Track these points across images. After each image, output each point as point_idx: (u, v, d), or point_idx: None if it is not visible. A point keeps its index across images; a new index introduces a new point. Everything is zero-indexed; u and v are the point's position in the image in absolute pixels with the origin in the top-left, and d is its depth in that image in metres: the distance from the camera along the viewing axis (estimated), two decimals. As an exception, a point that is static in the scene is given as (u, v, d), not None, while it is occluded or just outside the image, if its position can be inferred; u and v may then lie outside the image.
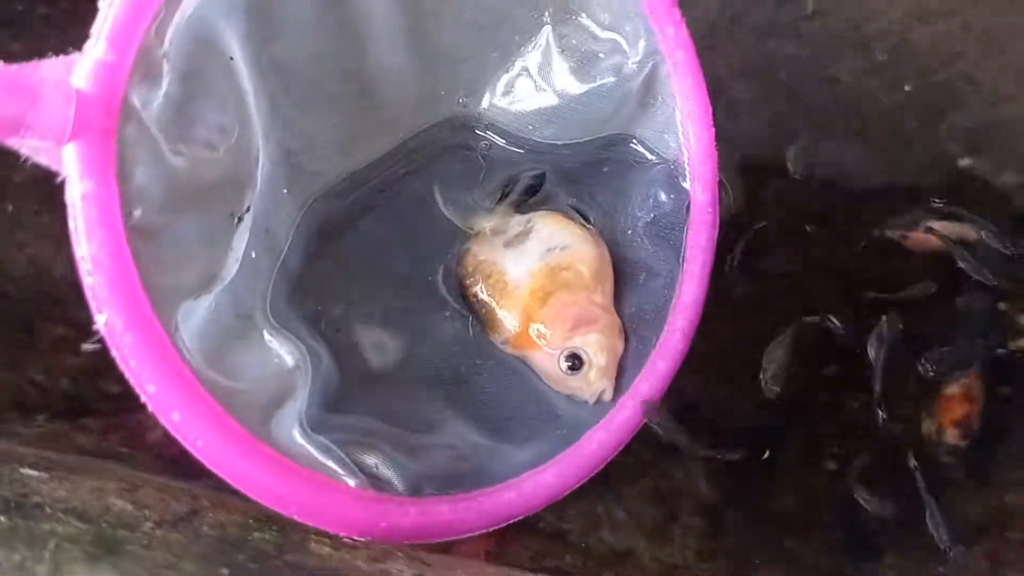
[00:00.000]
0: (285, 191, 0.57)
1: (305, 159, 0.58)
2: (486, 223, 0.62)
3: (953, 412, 0.67)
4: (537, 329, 0.58)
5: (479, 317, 0.60)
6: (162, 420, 0.44)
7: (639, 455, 0.65)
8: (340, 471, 0.48)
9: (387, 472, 0.50)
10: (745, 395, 0.68)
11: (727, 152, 0.62)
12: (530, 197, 0.63)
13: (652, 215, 0.61)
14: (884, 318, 0.66)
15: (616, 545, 0.67)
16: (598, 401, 0.58)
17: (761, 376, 0.65)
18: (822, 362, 0.70)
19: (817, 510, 0.68)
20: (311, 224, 0.59)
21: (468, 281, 0.60)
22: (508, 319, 0.59)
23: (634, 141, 0.63)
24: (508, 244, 0.60)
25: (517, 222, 0.62)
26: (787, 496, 0.68)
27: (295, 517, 0.47)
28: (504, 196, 0.63)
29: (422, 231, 0.62)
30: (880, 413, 0.65)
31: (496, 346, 0.59)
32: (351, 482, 0.48)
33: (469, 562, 0.55)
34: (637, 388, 0.57)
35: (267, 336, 0.52)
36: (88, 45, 0.44)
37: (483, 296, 0.59)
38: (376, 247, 0.61)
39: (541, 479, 0.53)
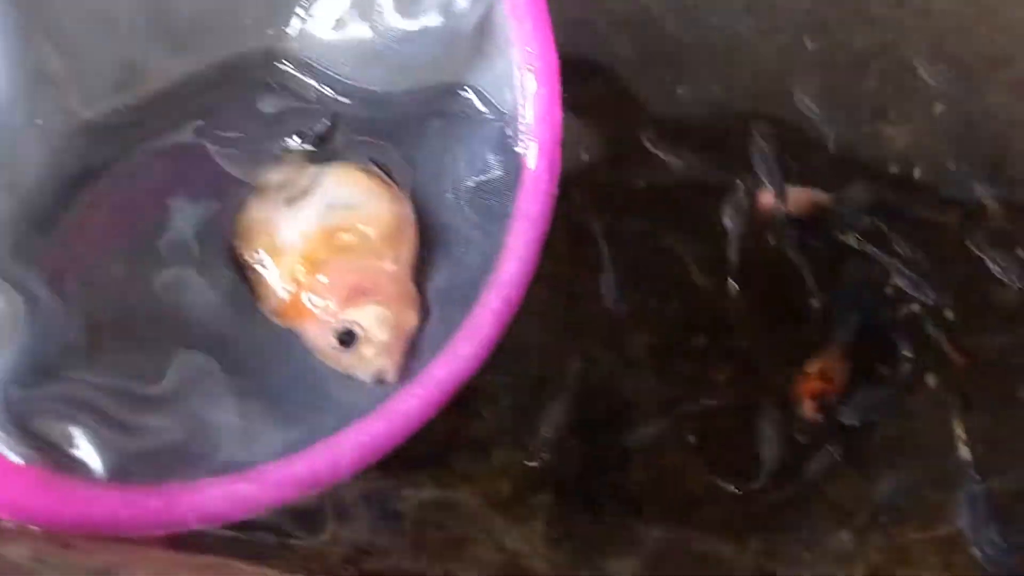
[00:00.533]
0: (39, 121, 0.50)
1: (69, 87, 0.51)
2: (273, 176, 0.55)
3: (812, 385, 0.62)
4: (309, 298, 0.51)
5: (248, 284, 0.53)
6: None
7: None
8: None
9: (88, 451, 0.44)
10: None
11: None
12: (320, 146, 0.55)
13: (479, 179, 0.54)
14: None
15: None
16: (381, 383, 0.51)
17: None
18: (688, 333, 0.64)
19: (673, 487, 0.62)
20: (71, 162, 0.52)
21: (236, 242, 0.53)
22: (278, 288, 0.51)
23: (467, 90, 0.56)
24: (290, 201, 0.53)
25: (307, 175, 0.54)
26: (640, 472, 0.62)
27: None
28: (294, 148, 0.56)
29: (198, 182, 0.55)
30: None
31: (266, 317, 0.52)
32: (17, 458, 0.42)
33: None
34: (432, 373, 0.50)
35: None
36: None
37: (251, 261, 0.52)
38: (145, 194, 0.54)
39: (288, 471, 0.47)
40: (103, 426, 0.45)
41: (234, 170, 0.55)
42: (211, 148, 0.55)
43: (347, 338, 0.50)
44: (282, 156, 0.55)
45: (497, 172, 0.53)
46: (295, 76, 0.57)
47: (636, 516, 0.60)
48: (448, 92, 0.56)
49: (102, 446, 0.44)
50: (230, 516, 0.46)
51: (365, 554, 0.56)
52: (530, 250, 0.51)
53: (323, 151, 0.55)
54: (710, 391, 0.63)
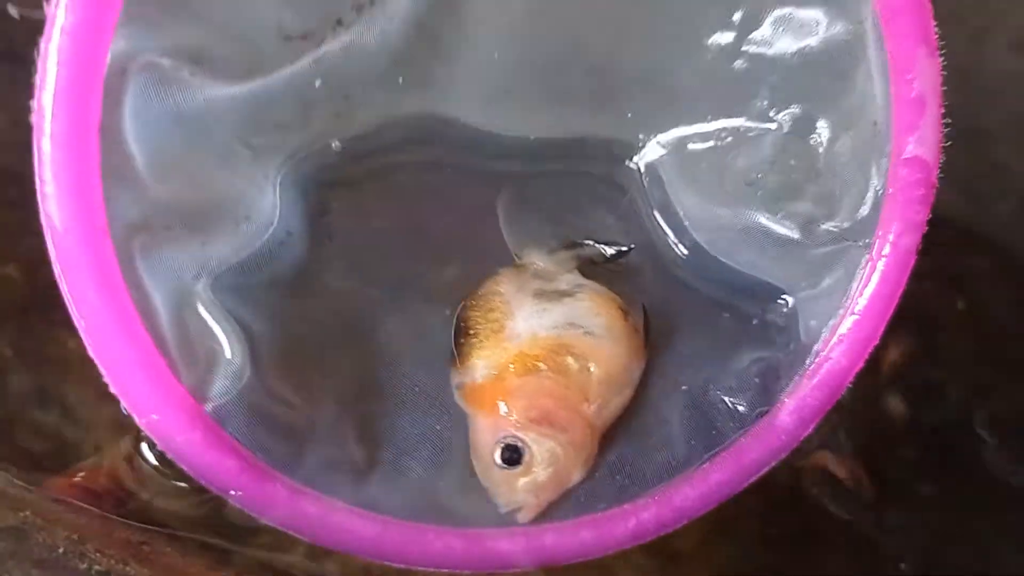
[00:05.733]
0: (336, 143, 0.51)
1: (427, 82, 0.51)
2: (538, 261, 0.52)
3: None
4: (501, 396, 0.47)
5: (456, 344, 0.50)
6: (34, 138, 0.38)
7: None
8: None
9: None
10: None
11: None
12: (611, 261, 0.52)
13: (722, 396, 0.49)
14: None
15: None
16: (510, 515, 0.46)
17: None
18: None
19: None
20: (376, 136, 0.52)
21: (471, 301, 0.50)
22: (481, 367, 0.48)
23: (783, 307, 0.51)
24: (538, 294, 0.50)
25: (567, 280, 0.51)
26: None
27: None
28: (576, 246, 0.53)
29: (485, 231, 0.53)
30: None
31: (450, 383, 0.49)
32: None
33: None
34: (542, 534, 0.45)
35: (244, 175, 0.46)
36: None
37: (472, 325, 0.49)
38: (432, 209, 0.53)
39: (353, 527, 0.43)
40: (244, 370, 0.44)
41: (510, 235, 0.52)
42: (503, 201, 0.53)
43: (512, 455, 0.46)
44: (557, 248, 0.52)
45: (743, 403, 0.48)
46: (642, 187, 0.54)
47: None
48: (765, 295, 0.51)
49: (230, 381, 0.43)
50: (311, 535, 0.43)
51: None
52: (712, 494, 0.45)
53: (604, 270, 0.52)
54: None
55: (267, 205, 0.49)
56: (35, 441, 0.56)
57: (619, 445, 0.48)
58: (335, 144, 0.52)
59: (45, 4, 0.37)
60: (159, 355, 0.40)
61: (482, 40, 0.51)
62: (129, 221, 0.41)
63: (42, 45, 0.37)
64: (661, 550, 0.56)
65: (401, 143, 0.54)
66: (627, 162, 0.54)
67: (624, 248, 0.53)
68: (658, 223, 0.54)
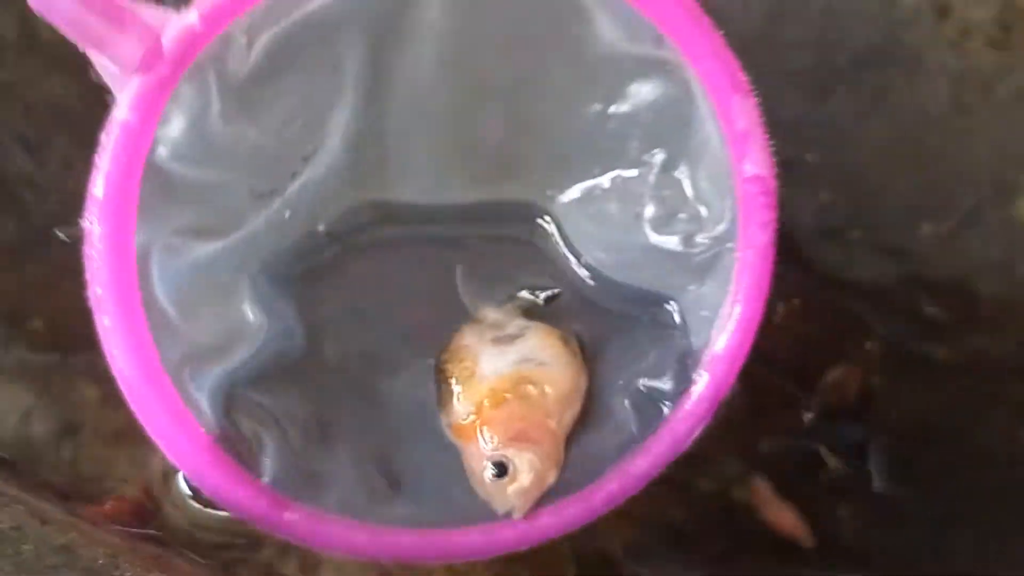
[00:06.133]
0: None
1: (369, 180, 0.64)
2: (490, 314, 0.66)
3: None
4: (482, 427, 0.60)
5: (439, 392, 0.63)
6: (95, 317, 0.52)
7: None
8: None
9: (265, 453, 0.56)
10: None
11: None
12: (545, 306, 0.66)
13: (653, 384, 0.62)
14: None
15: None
16: (507, 515, 0.58)
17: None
18: None
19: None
20: (339, 228, 0.65)
21: (444, 356, 0.64)
22: (460, 407, 0.61)
23: (673, 309, 0.64)
24: (496, 340, 0.63)
25: (515, 325, 0.64)
26: None
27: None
28: (516, 297, 0.66)
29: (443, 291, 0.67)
30: None
31: (440, 425, 0.62)
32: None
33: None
34: (537, 518, 0.58)
35: (247, 300, 0.59)
36: (190, 7, 0.52)
37: (449, 376, 0.63)
38: (398, 280, 0.67)
39: (397, 538, 0.56)
40: (281, 442, 0.56)
41: (466, 297, 0.66)
42: (459, 271, 0.67)
43: (499, 471, 0.58)
44: (503, 300, 0.66)
45: (669, 386, 0.61)
46: (552, 238, 0.68)
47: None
48: (659, 301, 0.65)
49: (274, 455, 0.56)
50: (332, 550, 0.56)
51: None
52: (663, 457, 0.59)
53: (541, 310, 0.66)
54: None
55: (266, 313, 0.62)
56: (63, 477, 0.71)
57: (581, 443, 0.61)
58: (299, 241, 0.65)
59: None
60: (216, 447, 0.54)
61: (411, 139, 0.64)
62: (175, 356, 0.54)
63: (87, 250, 0.51)
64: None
65: (362, 227, 0.67)
66: (540, 219, 0.68)
67: (553, 292, 0.66)
68: (572, 264, 0.67)
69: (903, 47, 0.85)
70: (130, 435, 0.62)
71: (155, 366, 0.52)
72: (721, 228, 0.60)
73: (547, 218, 0.68)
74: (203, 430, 0.53)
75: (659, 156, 0.63)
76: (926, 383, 0.80)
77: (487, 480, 0.59)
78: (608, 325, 0.65)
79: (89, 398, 0.72)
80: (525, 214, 0.68)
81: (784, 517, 0.76)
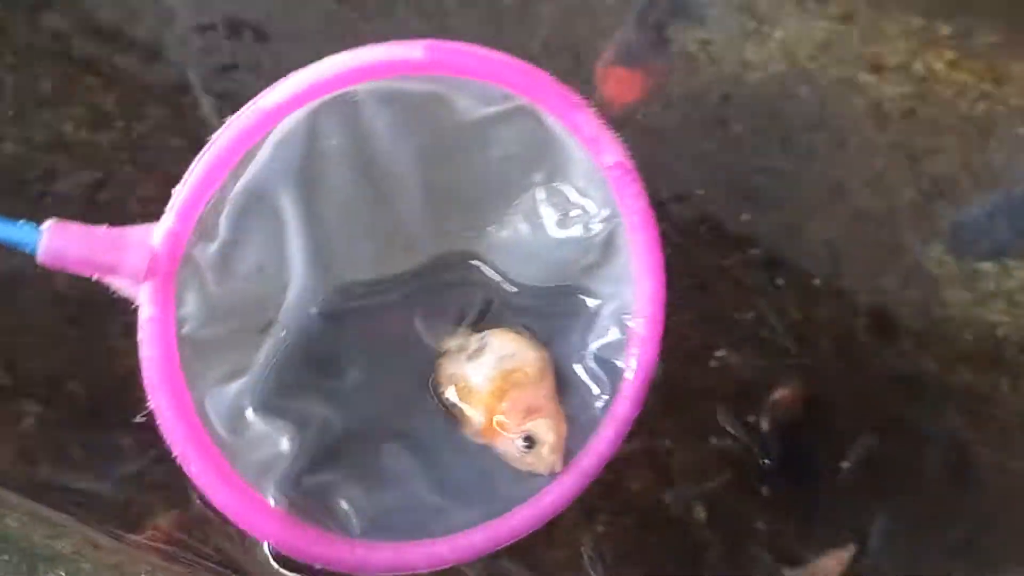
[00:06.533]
0: (314, 310, 0.78)
1: (331, 275, 0.79)
2: (451, 342, 0.81)
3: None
4: (498, 420, 0.76)
5: (453, 416, 0.78)
6: (186, 471, 0.66)
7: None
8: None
9: (349, 517, 0.71)
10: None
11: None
12: (481, 320, 0.82)
13: (599, 345, 0.78)
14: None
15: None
16: (552, 473, 0.74)
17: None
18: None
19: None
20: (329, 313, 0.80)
21: (441, 389, 0.79)
22: (475, 416, 0.77)
23: (590, 292, 0.81)
24: (470, 358, 0.79)
25: (475, 340, 0.80)
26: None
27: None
28: (464, 319, 0.83)
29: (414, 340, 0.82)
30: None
31: (468, 439, 0.78)
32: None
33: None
34: (561, 480, 0.75)
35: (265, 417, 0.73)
36: (164, 217, 0.67)
37: (454, 400, 0.78)
38: (376, 341, 0.82)
39: (470, 538, 0.72)
40: (351, 503, 0.72)
41: (428, 339, 0.82)
42: (416, 321, 0.83)
43: (529, 443, 0.74)
44: (455, 327, 0.82)
45: (614, 341, 0.78)
46: (481, 269, 0.84)
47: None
48: (572, 292, 0.81)
49: (353, 513, 0.72)
50: (427, 568, 0.72)
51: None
52: (638, 396, 0.76)
53: (487, 322, 0.82)
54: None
55: (295, 413, 0.76)
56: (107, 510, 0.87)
57: (565, 406, 0.77)
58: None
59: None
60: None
61: (352, 236, 0.79)
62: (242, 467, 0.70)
63: (159, 422, 0.66)
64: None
65: (334, 309, 0.80)
66: (470, 261, 0.84)
67: (487, 303, 0.83)
68: (502, 284, 0.83)
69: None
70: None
71: (233, 479, 0.68)
72: (606, 211, 0.77)
73: (475, 259, 0.84)
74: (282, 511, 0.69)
75: (539, 176, 0.79)
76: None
77: (524, 454, 0.75)
78: (543, 320, 0.82)
79: (126, 445, 0.90)
80: (457, 261, 0.83)
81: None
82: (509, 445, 0.76)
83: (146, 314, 0.66)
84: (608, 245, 0.78)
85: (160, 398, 0.66)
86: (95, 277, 0.66)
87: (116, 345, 0.92)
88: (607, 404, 0.76)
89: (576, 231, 0.79)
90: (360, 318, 0.82)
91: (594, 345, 0.78)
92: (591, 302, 0.80)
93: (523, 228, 0.81)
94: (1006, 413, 1.00)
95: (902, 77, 1.14)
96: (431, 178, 0.79)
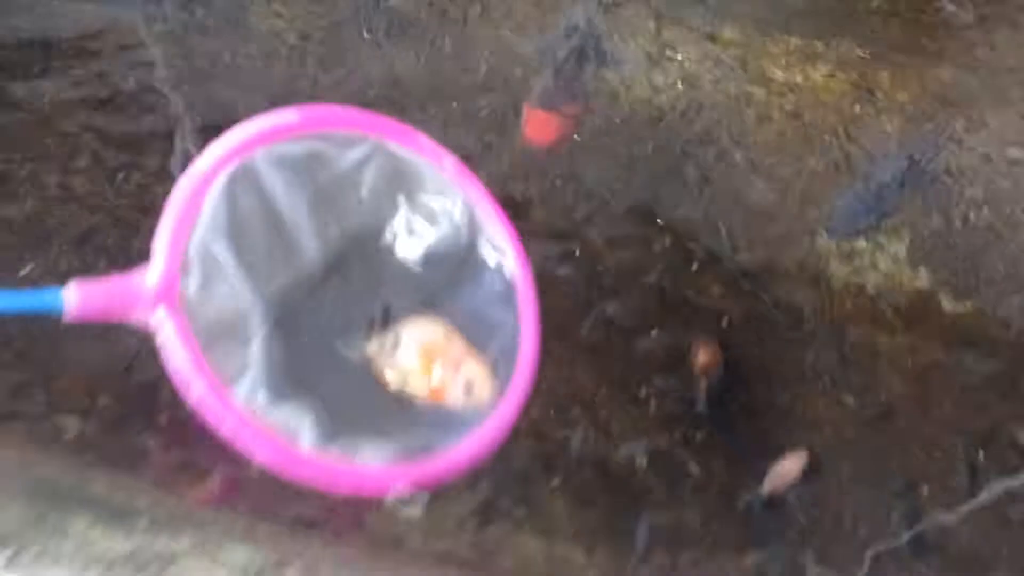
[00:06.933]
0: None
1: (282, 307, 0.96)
2: (371, 347, 0.99)
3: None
4: (435, 387, 0.96)
5: (404, 395, 0.97)
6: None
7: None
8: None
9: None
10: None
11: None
12: (385, 320, 1.00)
13: (489, 294, 1.00)
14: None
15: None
16: (493, 404, 0.94)
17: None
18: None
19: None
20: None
21: (384, 383, 0.97)
22: (420, 388, 0.96)
23: (468, 260, 1.01)
24: (392, 349, 0.97)
25: (389, 337, 0.98)
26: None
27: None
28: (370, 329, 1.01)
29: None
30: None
31: (417, 406, 0.97)
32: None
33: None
34: (504, 403, 0.95)
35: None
36: (154, 262, 0.85)
37: (399, 387, 0.96)
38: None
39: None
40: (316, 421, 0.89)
41: (351, 354, 0.99)
42: (337, 345, 0.99)
43: (468, 388, 0.95)
44: (368, 336, 1.00)
45: (500, 289, 0.99)
46: (378, 274, 1.02)
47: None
48: (461, 263, 1.01)
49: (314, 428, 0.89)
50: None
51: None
52: (535, 327, 0.98)
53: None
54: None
55: None
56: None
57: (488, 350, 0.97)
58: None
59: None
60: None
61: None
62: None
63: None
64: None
65: None
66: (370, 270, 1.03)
67: (383, 309, 1.00)
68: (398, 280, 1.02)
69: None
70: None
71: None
72: (459, 200, 0.99)
73: (371, 269, 1.02)
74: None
75: (402, 196, 1.00)
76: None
77: (469, 397, 0.94)
78: (438, 291, 1.01)
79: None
80: (357, 275, 1.01)
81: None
82: (454, 396, 0.95)
83: (168, 330, 0.85)
84: (471, 223, 1.00)
85: (200, 387, 0.84)
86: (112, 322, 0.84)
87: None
88: (513, 332, 0.98)
89: (444, 223, 1.01)
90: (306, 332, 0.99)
91: (483, 293, 1.00)
92: (472, 265, 1.01)
93: (402, 234, 1.02)
94: (865, 341, 1.24)
95: (786, 89, 1.36)
96: (323, 219, 0.98)
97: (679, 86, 1.36)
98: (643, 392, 1.18)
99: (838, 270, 1.27)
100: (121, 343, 1.07)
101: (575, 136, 1.33)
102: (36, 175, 1.25)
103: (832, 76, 1.36)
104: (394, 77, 1.36)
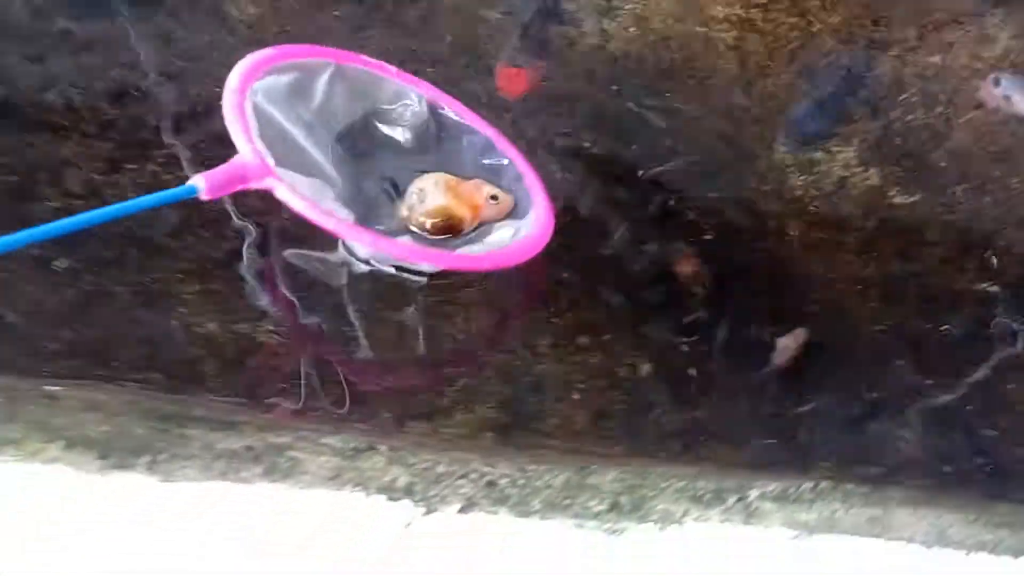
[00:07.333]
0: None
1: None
2: (402, 210, 1.21)
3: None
4: (471, 200, 1.20)
5: (451, 231, 1.19)
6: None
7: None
8: None
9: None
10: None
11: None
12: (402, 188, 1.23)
13: (473, 147, 1.27)
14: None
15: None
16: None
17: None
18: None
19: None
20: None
21: (428, 227, 1.18)
22: (460, 212, 1.19)
23: (448, 130, 1.29)
24: (421, 203, 1.19)
25: (414, 194, 1.20)
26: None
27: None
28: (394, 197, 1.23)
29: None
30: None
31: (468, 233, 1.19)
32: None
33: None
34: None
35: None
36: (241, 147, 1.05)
37: (442, 225, 1.18)
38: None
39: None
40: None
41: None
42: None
43: (495, 198, 1.21)
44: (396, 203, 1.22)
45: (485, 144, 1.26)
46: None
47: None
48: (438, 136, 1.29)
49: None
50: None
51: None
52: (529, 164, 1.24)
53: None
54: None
55: None
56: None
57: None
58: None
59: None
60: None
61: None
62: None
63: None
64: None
65: None
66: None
67: (393, 182, 1.25)
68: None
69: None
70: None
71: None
72: (412, 93, 1.29)
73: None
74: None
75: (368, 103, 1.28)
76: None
77: (497, 204, 1.21)
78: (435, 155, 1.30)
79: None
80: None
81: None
82: (487, 210, 1.19)
83: (280, 189, 1.06)
84: (432, 106, 1.28)
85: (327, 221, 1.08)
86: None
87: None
88: (510, 167, 1.25)
89: (409, 113, 1.27)
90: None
91: (468, 149, 1.28)
92: (449, 135, 1.29)
93: (383, 127, 1.28)
94: (829, 238, 1.37)
95: (728, 25, 1.48)
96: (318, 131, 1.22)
97: (631, 31, 1.47)
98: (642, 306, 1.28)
99: (797, 179, 1.39)
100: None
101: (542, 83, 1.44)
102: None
103: (768, 8, 1.49)
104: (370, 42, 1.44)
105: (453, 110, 1.28)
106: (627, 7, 1.48)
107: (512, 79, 1.44)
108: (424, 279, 1.16)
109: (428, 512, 0.84)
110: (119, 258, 1.16)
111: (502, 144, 1.27)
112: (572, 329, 1.23)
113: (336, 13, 1.45)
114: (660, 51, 1.46)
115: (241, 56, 1.16)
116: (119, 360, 1.09)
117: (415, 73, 1.33)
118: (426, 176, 1.20)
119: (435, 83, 1.30)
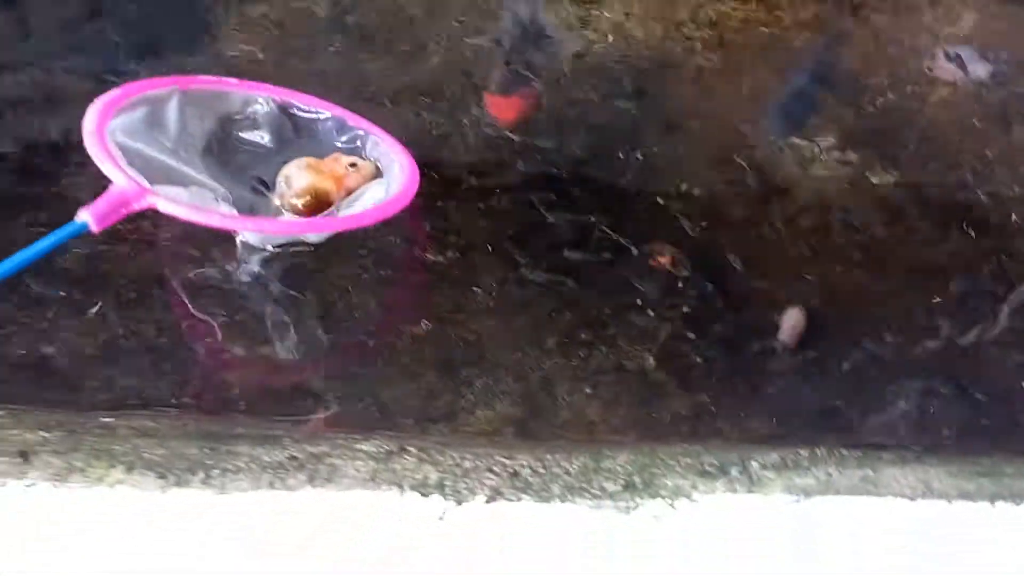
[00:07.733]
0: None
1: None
2: (274, 201, 1.32)
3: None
4: (332, 173, 1.32)
5: (322, 206, 1.29)
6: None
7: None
8: None
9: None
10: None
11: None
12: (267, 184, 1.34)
13: (327, 132, 1.40)
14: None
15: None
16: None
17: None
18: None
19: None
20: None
21: (300, 207, 1.29)
22: (326, 185, 1.29)
23: (302, 123, 1.42)
24: (289, 187, 1.29)
25: (281, 183, 1.31)
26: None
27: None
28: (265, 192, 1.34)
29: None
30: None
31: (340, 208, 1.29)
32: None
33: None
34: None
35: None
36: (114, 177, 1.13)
37: (312, 202, 1.29)
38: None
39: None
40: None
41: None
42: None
43: (353, 165, 1.30)
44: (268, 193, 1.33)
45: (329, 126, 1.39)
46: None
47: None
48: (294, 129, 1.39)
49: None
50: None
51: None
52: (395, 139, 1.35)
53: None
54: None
55: None
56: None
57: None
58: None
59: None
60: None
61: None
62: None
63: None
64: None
65: None
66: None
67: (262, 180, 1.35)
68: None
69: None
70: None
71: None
72: (260, 97, 1.40)
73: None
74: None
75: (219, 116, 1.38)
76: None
77: (358, 171, 1.32)
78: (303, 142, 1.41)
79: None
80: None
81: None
82: (350, 178, 1.31)
83: (161, 203, 1.14)
84: (281, 105, 1.40)
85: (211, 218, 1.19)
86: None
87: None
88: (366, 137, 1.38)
89: (261, 114, 1.40)
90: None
91: (321, 134, 1.40)
92: (302, 126, 1.41)
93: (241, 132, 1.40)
94: (816, 220, 1.43)
95: (700, 26, 1.57)
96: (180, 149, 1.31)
97: (609, 38, 1.57)
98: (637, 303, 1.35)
99: (781, 166, 1.47)
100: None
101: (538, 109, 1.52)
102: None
103: (737, 8, 1.59)
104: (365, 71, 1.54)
105: (302, 103, 1.39)
106: (605, 15, 1.57)
107: (502, 107, 1.52)
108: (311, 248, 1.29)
109: (459, 503, 0.92)
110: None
111: (354, 120, 1.38)
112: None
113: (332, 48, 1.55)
114: (636, 53, 1.55)
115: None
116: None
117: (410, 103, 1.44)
118: (288, 164, 1.31)
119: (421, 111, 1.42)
